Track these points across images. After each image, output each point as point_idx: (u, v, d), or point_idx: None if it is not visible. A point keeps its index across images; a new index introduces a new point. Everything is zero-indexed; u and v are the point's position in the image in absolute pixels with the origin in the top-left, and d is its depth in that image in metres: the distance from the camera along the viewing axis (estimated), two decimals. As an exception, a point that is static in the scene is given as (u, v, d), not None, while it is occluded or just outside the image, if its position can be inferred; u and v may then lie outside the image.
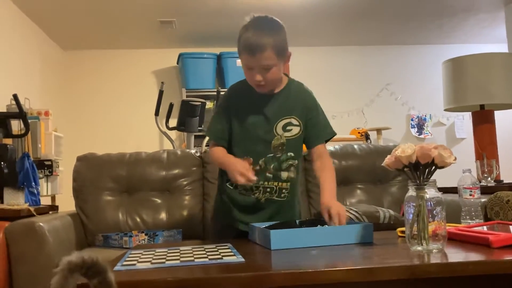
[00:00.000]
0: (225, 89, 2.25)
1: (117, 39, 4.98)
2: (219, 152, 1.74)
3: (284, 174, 1.73)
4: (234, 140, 1.74)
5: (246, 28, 1.62)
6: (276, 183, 1.73)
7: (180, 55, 4.90)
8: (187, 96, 4.73)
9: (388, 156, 1.31)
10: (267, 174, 1.72)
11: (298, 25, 4.80)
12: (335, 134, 1.80)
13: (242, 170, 1.56)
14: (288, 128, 1.72)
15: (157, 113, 4.40)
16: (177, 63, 5.12)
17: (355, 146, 2.76)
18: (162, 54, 5.28)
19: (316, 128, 1.76)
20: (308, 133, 1.75)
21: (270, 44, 1.57)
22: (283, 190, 1.75)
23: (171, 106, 4.34)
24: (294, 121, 1.72)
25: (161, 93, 4.43)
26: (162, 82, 4.49)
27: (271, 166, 1.71)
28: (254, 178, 1.56)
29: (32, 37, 4.32)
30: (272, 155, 1.71)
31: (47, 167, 3.46)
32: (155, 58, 5.29)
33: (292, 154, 1.73)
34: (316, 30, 5.01)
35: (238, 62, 4.67)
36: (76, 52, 5.21)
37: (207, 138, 3.34)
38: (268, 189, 1.73)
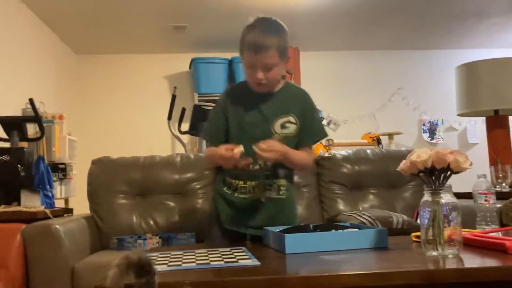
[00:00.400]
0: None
1: (130, 44, 5.03)
2: (210, 150, 1.76)
3: (282, 172, 1.76)
4: (232, 141, 1.74)
5: (251, 27, 1.66)
6: (274, 181, 1.76)
7: (192, 60, 4.93)
8: (199, 101, 4.76)
9: (403, 161, 1.31)
10: (266, 172, 1.74)
11: (310, 29, 4.81)
12: (327, 135, 1.85)
13: (224, 154, 1.59)
14: (286, 125, 1.75)
15: (169, 117, 4.43)
16: (190, 68, 5.16)
17: (368, 151, 2.76)
18: (174, 59, 5.32)
19: (310, 129, 1.79)
20: (301, 133, 1.77)
21: (274, 44, 1.63)
22: (281, 187, 1.77)
23: (183, 110, 4.37)
24: (292, 119, 1.75)
25: (173, 97, 4.46)
26: (175, 87, 4.52)
27: (269, 164, 1.74)
28: (237, 155, 1.58)
29: (46, 41, 4.38)
30: None
31: (61, 170, 3.50)
32: (168, 63, 5.33)
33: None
34: (328, 34, 5.01)
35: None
36: (89, 57, 5.27)
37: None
38: (267, 187, 1.75)
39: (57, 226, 2.04)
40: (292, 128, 1.75)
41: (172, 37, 4.83)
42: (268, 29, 1.65)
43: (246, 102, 1.75)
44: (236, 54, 5.40)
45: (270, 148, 1.60)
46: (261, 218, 1.75)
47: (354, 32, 4.98)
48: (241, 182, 1.77)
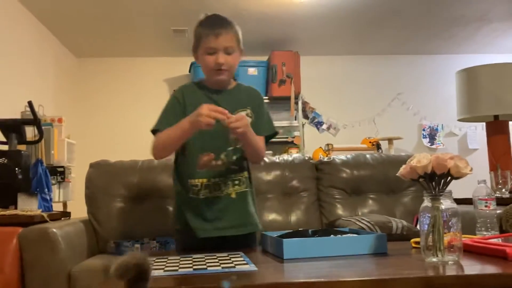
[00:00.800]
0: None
1: (130, 47, 5.03)
2: (164, 132, 1.69)
3: (245, 163, 1.79)
4: (191, 137, 1.69)
5: (203, 21, 1.73)
6: (240, 174, 1.76)
7: (192, 64, 4.93)
8: (198, 104, 4.74)
9: (403, 166, 1.30)
10: (232, 167, 1.73)
11: (310, 34, 4.81)
12: (276, 132, 1.84)
13: (206, 111, 1.52)
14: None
15: (168, 120, 4.42)
16: (189, 72, 5.15)
17: (368, 156, 2.75)
18: (174, 63, 5.32)
19: (258, 122, 1.78)
20: (255, 126, 1.76)
21: (232, 28, 1.71)
22: (245, 176, 1.78)
23: (182, 114, 4.36)
24: (249, 113, 1.78)
25: (173, 101, 4.45)
26: (175, 90, 4.51)
27: (234, 158, 1.74)
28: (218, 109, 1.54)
29: (47, 44, 4.38)
30: (232, 148, 1.74)
31: (59, 173, 3.49)
32: (168, 67, 5.33)
33: None
34: (328, 39, 5.01)
35: (251, 70, 4.69)
36: (89, 60, 5.27)
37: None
38: (236, 181, 1.75)
39: (54, 230, 2.02)
40: (249, 121, 1.75)
41: (172, 41, 4.83)
42: (222, 18, 1.73)
43: (203, 97, 1.76)
44: None
45: (238, 118, 1.58)
46: (232, 215, 1.73)
47: (354, 37, 4.98)
48: (204, 180, 1.72)
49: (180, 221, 1.79)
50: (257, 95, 1.86)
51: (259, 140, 1.74)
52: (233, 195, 1.74)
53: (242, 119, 1.59)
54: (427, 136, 5.57)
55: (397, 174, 1.32)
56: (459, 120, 2.93)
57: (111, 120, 5.22)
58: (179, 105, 1.77)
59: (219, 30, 1.66)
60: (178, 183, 1.80)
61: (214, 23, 1.68)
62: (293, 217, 2.54)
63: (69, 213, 2.69)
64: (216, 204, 1.73)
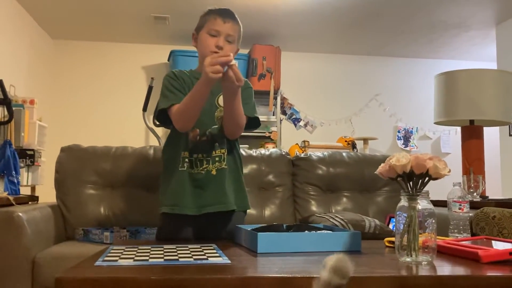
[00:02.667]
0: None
1: (108, 32, 4.91)
2: (182, 102, 1.68)
3: (225, 140, 1.79)
4: None
5: (215, 9, 1.77)
6: (222, 150, 1.77)
7: (171, 52, 4.85)
8: (176, 94, 4.68)
9: (382, 164, 1.29)
10: (215, 144, 1.76)
11: (292, 30, 4.80)
12: (257, 119, 1.83)
13: (208, 61, 1.53)
14: None
15: (145, 108, 4.35)
16: (168, 60, 5.07)
17: (344, 154, 2.75)
18: (153, 50, 5.23)
19: (248, 103, 1.80)
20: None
21: (238, 23, 1.78)
22: (225, 155, 1.79)
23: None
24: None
25: (150, 89, 4.38)
26: (152, 78, 4.44)
27: (217, 137, 1.76)
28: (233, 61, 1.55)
29: (22, 24, 4.24)
30: (216, 126, 1.77)
31: (29, 156, 3.39)
32: (146, 54, 5.24)
33: None
34: (310, 36, 5.01)
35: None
36: (65, 42, 5.13)
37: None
38: (217, 158, 1.77)
39: (20, 214, 1.95)
40: None
41: (152, 28, 4.75)
42: (233, 12, 1.79)
43: (193, 78, 1.78)
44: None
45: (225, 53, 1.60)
46: (211, 192, 1.74)
47: (336, 36, 4.99)
48: (187, 154, 1.75)
49: (165, 200, 1.77)
50: (246, 82, 1.84)
51: (242, 114, 1.75)
52: (214, 172, 1.76)
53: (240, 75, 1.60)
54: (401, 138, 5.64)
55: (375, 172, 1.31)
56: (436, 123, 2.96)
57: (85, 104, 5.11)
58: (177, 83, 1.77)
59: (227, 15, 1.73)
60: (169, 155, 1.82)
61: (225, 12, 1.75)
62: (268, 212, 2.53)
63: (37, 197, 2.61)
64: (198, 180, 1.75)
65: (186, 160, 1.75)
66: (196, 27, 1.81)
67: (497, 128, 4.67)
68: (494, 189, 4.32)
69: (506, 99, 2.78)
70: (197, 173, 1.75)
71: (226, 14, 1.74)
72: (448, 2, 4.09)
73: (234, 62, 1.55)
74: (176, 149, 1.77)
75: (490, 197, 2.59)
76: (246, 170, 2.56)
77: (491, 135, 4.37)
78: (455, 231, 1.70)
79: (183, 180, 1.74)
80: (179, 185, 1.74)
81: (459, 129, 4.41)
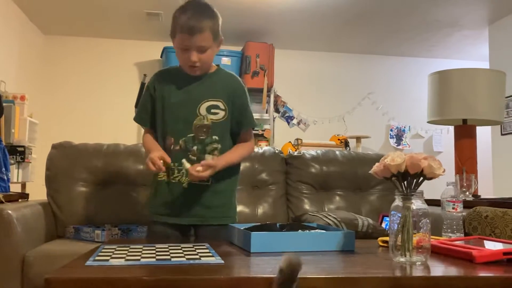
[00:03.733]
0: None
1: (101, 28, 4.87)
2: (146, 140, 1.78)
3: (208, 157, 1.69)
4: (157, 122, 1.75)
5: (183, 10, 1.64)
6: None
7: (164, 49, 4.82)
8: (169, 91, 4.65)
9: (377, 164, 1.28)
10: (191, 156, 1.69)
11: (286, 27, 4.78)
12: (255, 124, 1.83)
13: (152, 156, 1.59)
14: (214, 111, 1.71)
15: (137, 105, 4.31)
16: (161, 57, 5.04)
17: (337, 152, 2.75)
18: (146, 47, 5.19)
19: (245, 114, 1.77)
20: (236, 119, 1.75)
21: (208, 26, 1.62)
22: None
23: (152, 99, 4.26)
24: (221, 105, 1.72)
25: (142, 85, 4.35)
26: (145, 75, 4.41)
27: (194, 148, 1.69)
28: (162, 167, 1.59)
29: (13, 19, 4.19)
30: (193, 135, 1.70)
31: (19, 153, 3.36)
32: (139, 50, 5.20)
33: (217, 138, 1.71)
34: (303, 34, 5.00)
35: (225, 60, 4.63)
36: (57, 38, 5.08)
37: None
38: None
39: (10, 212, 1.92)
40: (220, 115, 1.72)
41: (145, 24, 4.71)
42: (201, 12, 1.63)
43: (175, 83, 1.74)
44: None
45: (204, 168, 1.59)
46: (182, 207, 1.71)
47: (330, 34, 4.98)
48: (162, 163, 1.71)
49: (152, 208, 1.77)
50: (238, 86, 1.77)
51: (238, 151, 1.75)
52: (185, 185, 1.70)
53: (208, 164, 1.59)
54: (394, 136, 5.65)
55: (370, 172, 1.30)
56: (429, 122, 2.96)
57: (77, 101, 5.06)
58: (150, 99, 1.77)
59: (194, 28, 1.59)
60: None
61: (191, 17, 1.60)
62: (260, 210, 2.52)
63: (27, 194, 2.58)
64: (171, 189, 1.72)
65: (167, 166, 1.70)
66: (170, 32, 1.70)
67: (489, 127, 4.69)
68: (486, 189, 4.34)
69: (498, 98, 2.78)
70: (173, 183, 1.71)
71: (192, 22, 1.59)
72: (442, 1, 4.09)
73: (187, 165, 1.60)
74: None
75: (482, 197, 2.59)
76: (239, 168, 2.55)
77: (483, 134, 4.39)
78: (449, 230, 1.70)
79: (161, 189, 1.73)
80: (158, 193, 1.75)
81: (451, 128, 4.43)
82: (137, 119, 1.82)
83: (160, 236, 1.72)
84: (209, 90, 1.72)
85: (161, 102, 1.74)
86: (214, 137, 1.71)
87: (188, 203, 1.71)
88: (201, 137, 1.70)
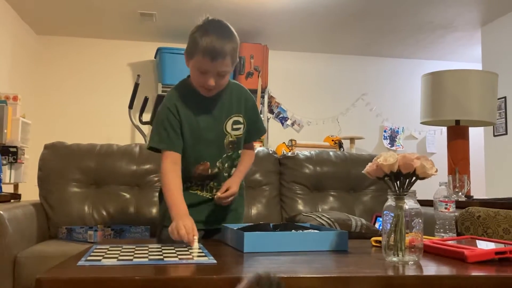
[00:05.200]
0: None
1: (94, 28, 4.85)
2: (171, 186, 1.58)
3: (233, 171, 1.76)
4: (186, 147, 1.66)
5: (205, 31, 1.55)
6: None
7: (158, 49, 4.81)
8: (163, 91, 4.64)
9: (369, 164, 1.28)
10: (225, 174, 1.73)
11: (279, 29, 4.79)
12: (265, 132, 1.88)
13: (185, 234, 1.40)
14: (235, 126, 1.72)
15: (131, 106, 4.30)
16: (155, 57, 5.03)
17: (331, 153, 2.75)
18: (140, 47, 5.18)
19: (255, 127, 1.79)
20: (250, 129, 1.77)
21: (230, 51, 1.56)
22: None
23: (146, 100, 4.25)
24: (241, 119, 1.73)
25: (136, 86, 4.33)
26: (138, 75, 4.39)
27: (226, 165, 1.73)
28: (196, 245, 1.39)
29: (5, 18, 4.16)
30: (226, 155, 1.72)
31: (11, 153, 3.33)
32: (133, 51, 5.18)
33: (240, 152, 1.77)
34: (297, 35, 5.00)
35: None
36: (50, 38, 5.05)
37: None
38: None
39: (1, 212, 1.91)
40: (242, 129, 1.74)
41: (138, 24, 4.70)
42: (224, 36, 1.56)
43: (196, 105, 1.67)
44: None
45: (229, 193, 1.63)
46: (213, 214, 1.73)
47: (324, 35, 4.99)
48: (199, 182, 1.74)
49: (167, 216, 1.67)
50: (248, 97, 1.77)
51: (246, 164, 1.78)
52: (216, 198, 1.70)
53: (231, 190, 1.64)
54: (387, 137, 5.67)
55: (363, 172, 1.30)
56: (422, 123, 2.97)
57: (70, 101, 5.04)
58: (176, 121, 1.65)
59: (216, 54, 1.52)
60: None
61: (215, 44, 1.52)
62: (254, 211, 2.51)
63: (19, 195, 2.57)
64: (202, 202, 1.73)
65: (199, 183, 1.73)
66: (186, 51, 1.61)
67: (481, 128, 4.72)
68: (478, 189, 4.37)
69: (490, 99, 2.80)
70: (206, 196, 1.74)
71: (215, 47, 1.52)
72: (435, 3, 4.11)
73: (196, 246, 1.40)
74: (188, 174, 1.70)
75: (474, 197, 2.61)
76: (232, 168, 2.55)
77: (476, 136, 4.42)
78: (441, 230, 1.71)
79: (192, 199, 1.70)
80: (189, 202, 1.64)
81: (444, 129, 4.45)
82: (169, 146, 1.62)
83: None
84: (228, 106, 1.71)
85: (189, 128, 1.66)
86: (239, 151, 1.76)
87: (214, 210, 1.73)
88: (229, 154, 1.73)
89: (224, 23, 1.61)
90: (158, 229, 1.83)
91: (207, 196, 1.74)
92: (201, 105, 1.68)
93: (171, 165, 1.61)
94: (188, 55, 1.60)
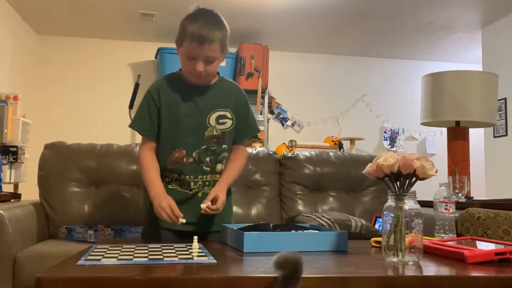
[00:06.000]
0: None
1: (95, 28, 4.85)
2: (149, 168, 1.66)
3: (219, 166, 1.72)
4: (163, 133, 1.69)
5: (194, 18, 1.60)
6: (212, 176, 1.71)
7: (159, 50, 4.81)
8: (163, 92, 4.63)
9: (369, 164, 1.28)
10: (204, 168, 1.69)
11: (280, 29, 4.79)
12: (259, 131, 1.85)
13: (167, 211, 1.52)
14: (222, 121, 1.71)
15: (131, 106, 4.31)
16: (155, 58, 5.03)
17: (331, 154, 2.75)
18: (140, 47, 5.18)
19: (245, 126, 1.77)
20: (240, 127, 1.76)
21: (218, 37, 1.59)
22: (216, 182, 1.71)
23: (146, 100, 4.24)
24: (228, 114, 1.72)
25: (137, 86, 4.34)
26: (139, 75, 4.40)
27: (207, 159, 1.69)
28: (183, 220, 1.49)
29: (5, 18, 4.17)
30: (205, 147, 1.69)
31: (12, 153, 3.34)
32: (133, 51, 5.18)
33: (226, 147, 1.73)
34: (298, 36, 5.00)
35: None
36: (51, 38, 5.05)
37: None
38: (207, 183, 1.70)
39: (1, 212, 1.91)
40: (228, 124, 1.72)
41: (139, 25, 4.70)
42: (212, 22, 1.60)
43: (180, 93, 1.69)
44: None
45: (218, 206, 1.59)
46: (196, 213, 1.65)
47: (324, 35, 4.99)
48: (175, 175, 1.69)
49: (149, 216, 1.69)
50: (240, 95, 1.77)
51: (235, 168, 1.74)
52: (200, 195, 1.69)
53: (218, 201, 1.59)
54: (388, 138, 5.67)
55: (363, 172, 1.30)
56: (422, 124, 2.97)
57: (70, 101, 5.04)
58: (154, 107, 1.68)
59: (204, 38, 1.56)
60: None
61: (202, 27, 1.56)
62: (254, 211, 2.51)
63: (20, 195, 2.57)
64: (182, 200, 1.67)
65: (176, 177, 1.69)
66: (177, 38, 1.66)
67: (481, 129, 4.72)
68: (478, 190, 4.37)
69: (491, 100, 2.80)
70: (181, 192, 1.69)
71: (202, 31, 1.56)
72: (436, 4, 4.11)
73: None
74: (163, 164, 1.69)
75: (474, 198, 2.61)
76: (232, 169, 2.55)
77: (476, 136, 4.41)
78: (441, 231, 1.71)
79: (172, 195, 1.64)
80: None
81: (444, 130, 4.45)
82: (142, 131, 1.70)
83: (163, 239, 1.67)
84: (216, 100, 1.71)
85: (168, 114, 1.68)
86: (224, 146, 1.72)
87: (196, 212, 1.64)
88: (213, 148, 1.70)
89: (214, 12, 1.65)
90: (147, 227, 1.79)
91: (186, 191, 1.69)
92: (186, 94, 1.68)
93: (149, 150, 1.69)
94: (178, 42, 1.65)
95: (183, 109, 1.67)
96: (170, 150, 1.68)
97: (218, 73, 1.77)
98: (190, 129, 1.67)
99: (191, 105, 1.68)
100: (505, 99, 4.42)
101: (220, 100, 1.71)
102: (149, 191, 1.62)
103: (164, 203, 1.54)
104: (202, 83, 1.68)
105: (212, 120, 1.69)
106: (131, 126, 1.73)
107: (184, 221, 1.51)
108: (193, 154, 1.68)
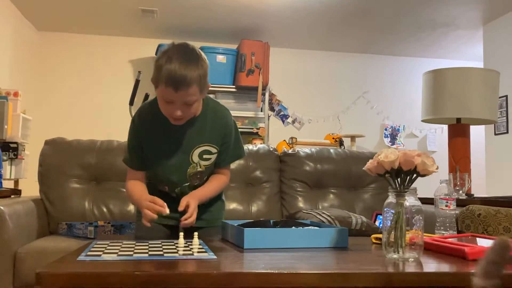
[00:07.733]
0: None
1: (95, 24, 4.85)
2: (133, 191, 1.61)
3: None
4: (148, 168, 1.66)
5: (168, 58, 1.44)
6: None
7: (159, 46, 4.80)
8: (163, 88, 4.63)
9: (370, 161, 1.28)
10: (188, 191, 1.63)
11: (281, 25, 4.78)
12: (243, 156, 1.76)
13: (150, 206, 1.46)
14: (206, 156, 1.62)
15: (131, 102, 4.30)
16: (156, 54, 5.02)
17: (331, 151, 2.75)
18: (140, 44, 5.17)
19: (227, 153, 1.67)
20: (223, 155, 1.67)
21: (195, 79, 1.44)
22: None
23: (146, 96, 4.25)
24: (212, 150, 1.63)
25: (137, 82, 4.33)
26: (139, 72, 4.39)
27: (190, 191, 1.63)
28: (167, 210, 1.45)
29: (6, 14, 4.16)
30: (188, 184, 1.64)
31: (12, 149, 3.34)
32: (133, 47, 5.18)
33: (207, 177, 1.68)
34: (299, 33, 4.99)
35: (220, 58, 4.61)
36: (51, 34, 5.05)
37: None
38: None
39: (1, 208, 1.91)
40: (212, 158, 1.64)
41: (139, 21, 4.69)
42: (188, 61, 1.44)
43: (162, 129, 1.59)
44: (205, 44, 5.28)
45: (189, 215, 1.48)
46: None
47: (325, 33, 4.98)
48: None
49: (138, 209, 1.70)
50: (224, 125, 1.65)
51: (213, 186, 1.67)
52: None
53: (191, 210, 1.49)
54: (388, 135, 5.66)
55: (363, 168, 1.30)
56: (423, 121, 2.96)
57: (70, 97, 5.03)
58: (137, 140, 1.63)
59: (180, 84, 1.41)
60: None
61: (177, 72, 1.41)
62: (254, 208, 2.51)
63: (20, 191, 2.57)
64: (170, 198, 1.63)
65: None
66: (152, 78, 1.49)
67: (482, 127, 4.72)
68: (479, 187, 4.37)
69: (492, 98, 2.79)
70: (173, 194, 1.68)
71: (178, 76, 1.41)
72: (437, 1, 4.10)
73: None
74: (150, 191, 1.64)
75: (475, 195, 2.60)
76: (233, 166, 2.54)
77: (476, 134, 4.41)
78: (442, 228, 1.70)
79: (162, 196, 1.59)
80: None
81: (445, 127, 4.45)
82: (134, 166, 1.65)
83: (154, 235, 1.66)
84: (199, 135, 1.61)
85: (151, 150, 1.61)
86: (205, 177, 1.67)
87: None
88: (195, 184, 1.64)
89: (190, 47, 1.49)
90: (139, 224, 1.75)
91: (175, 195, 1.67)
92: (168, 130, 1.58)
93: (133, 181, 1.65)
94: (153, 83, 1.49)
95: (164, 147, 1.61)
96: (156, 180, 1.69)
97: (203, 100, 1.62)
98: (172, 167, 1.60)
99: (172, 142, 1.60)
100: (506, 96, 4.41)
101: (204, 134, 1.61)
102: (138, 205, 1.57)
103: (146, 202, 1.48)
104: (180, 124, 1.55)
105: (195, 156, 1.61)
106: (124, 162, 1.69)
107: (167, 211, 1.45)
108: (176, 191, 1.65)
